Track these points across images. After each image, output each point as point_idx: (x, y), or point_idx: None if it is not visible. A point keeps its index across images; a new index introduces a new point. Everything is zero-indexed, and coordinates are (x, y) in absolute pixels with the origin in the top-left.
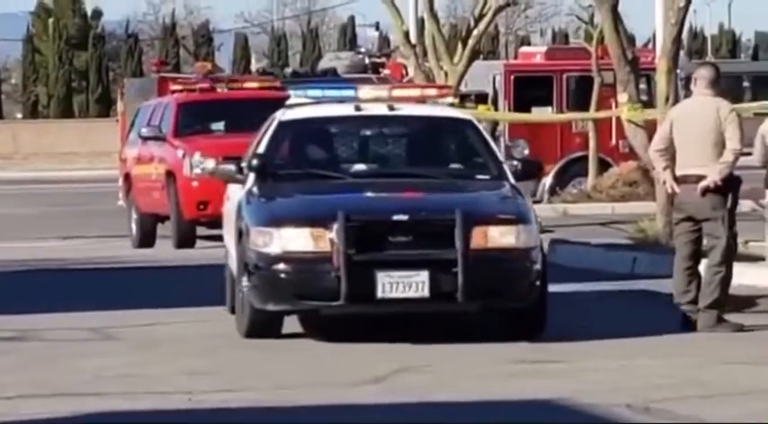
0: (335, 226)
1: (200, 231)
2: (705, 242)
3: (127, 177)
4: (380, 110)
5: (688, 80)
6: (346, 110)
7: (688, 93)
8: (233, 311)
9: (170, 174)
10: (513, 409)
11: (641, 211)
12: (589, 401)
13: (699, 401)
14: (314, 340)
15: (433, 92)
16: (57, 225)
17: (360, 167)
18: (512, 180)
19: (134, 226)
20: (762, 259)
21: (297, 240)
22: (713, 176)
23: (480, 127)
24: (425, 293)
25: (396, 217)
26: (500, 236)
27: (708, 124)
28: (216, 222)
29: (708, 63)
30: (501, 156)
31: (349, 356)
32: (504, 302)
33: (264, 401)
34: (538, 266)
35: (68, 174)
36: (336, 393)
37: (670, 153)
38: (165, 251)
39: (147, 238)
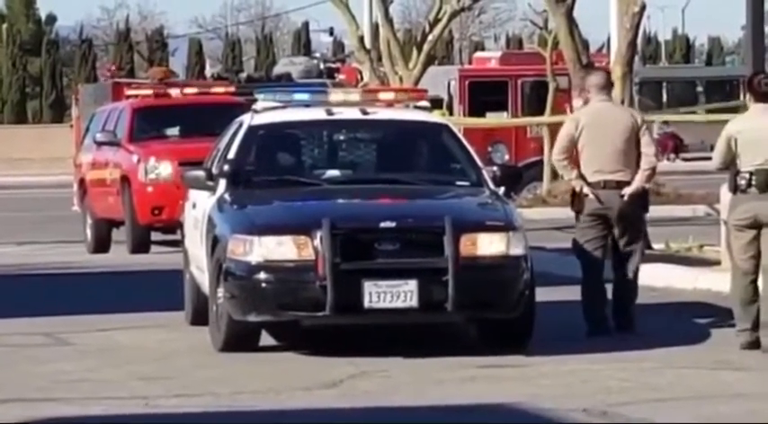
0: (320, 234)
1: (155, 236)
2: (621, 245)
3: (81, 182)
4: (354, 114)
5: (642, 85)
6: (318, 114)
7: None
8: (194, 321)
9: (125, 179)
10: (469, 413)
11: None
12: (546, 405)
13: (654, 405)
14: (271, 347)
15: (406, 95)
16: (12, 231)
17: (335, 173)
18: (492, 186)
19: (89, 232)
20: (717, 263)
21: (279, 248)
22: (640, 182)
23: (457, 131)
24: (414, 303)
25: (383, 224)
26: (490, 244)
27: (625, 131)
28: (171, 227)
29: (598, 69)
30: (479, 162)
31: (306, 362)
32: (495, 312)
33: (221, 406)
34: (528, 274)
35: (22, 180)
36: (292, 398)
37: (573, 159)
38: (119, 257)
39: (101, 243)
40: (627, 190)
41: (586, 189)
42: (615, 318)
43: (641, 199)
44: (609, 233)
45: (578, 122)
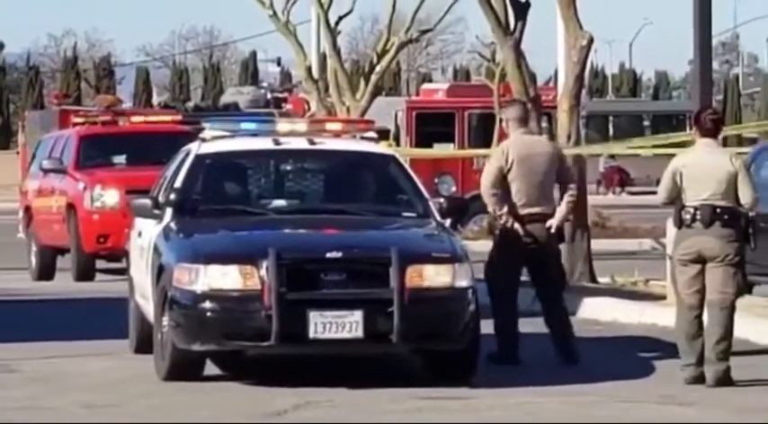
0: (266, 264)
1: (100, 264)
2: (544, 277)
3: (27, 209)
4: (301, 144)
5: (589, 118)
6: (265, 143)
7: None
8: (138, 350)
9: (71, 207)
10: None
11: None
12: None
13: None
14: (215, 376)
15: (354, 126)
16: None
17: (281, 203)
18: (438, 217)
19: (33, 259)
20: (662, 297)
21: (225, 277)
22: (565, 214)
23: (404, 162)
24: (359, 334)
25: (329, 255)
26: (436, 276)
27: (552, 164)
28: (116, 255)
29: (514, 101)
30: (426, 193)
31: (250, 392)
32: (440, 343)
33: None
34: (473, 306)
35: None
36: None
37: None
38: (64, 285)
39: (46, 271)
40: (552, 223)
41: (517, 225)
42: (558, 351)
43: (558, 231)
44: (524, 266)
45: (507, 155)
